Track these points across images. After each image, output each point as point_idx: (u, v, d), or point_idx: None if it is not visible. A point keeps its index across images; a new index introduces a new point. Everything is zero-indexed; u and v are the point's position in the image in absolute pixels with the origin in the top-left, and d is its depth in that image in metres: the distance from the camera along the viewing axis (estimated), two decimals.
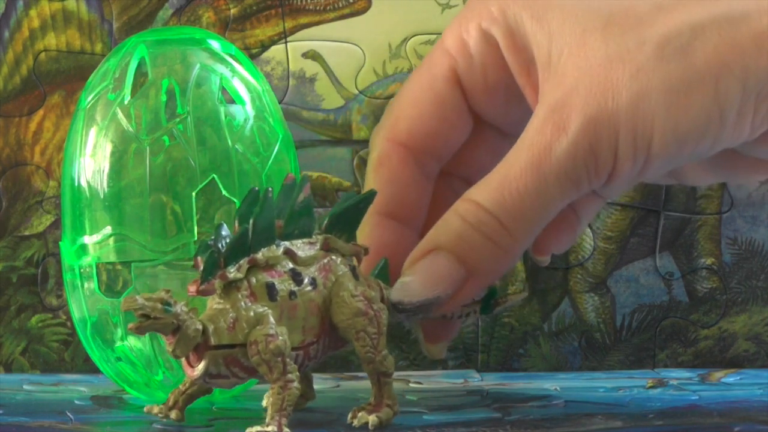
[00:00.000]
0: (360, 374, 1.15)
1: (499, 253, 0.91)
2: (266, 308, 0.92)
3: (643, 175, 0.90)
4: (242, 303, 0.92)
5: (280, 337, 0.91)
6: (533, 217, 0.90)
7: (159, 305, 0.89)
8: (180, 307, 0.90)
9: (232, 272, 0.92)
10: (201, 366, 0.91)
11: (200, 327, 0.90)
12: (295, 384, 0.91)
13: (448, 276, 0.91)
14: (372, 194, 1.00)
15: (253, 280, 0.93)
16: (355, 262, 0.98)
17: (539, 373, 1.22)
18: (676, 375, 1.19)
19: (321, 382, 1.13)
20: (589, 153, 0.88)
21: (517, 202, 0.89)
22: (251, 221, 0.93)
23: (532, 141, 0.89)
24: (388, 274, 1.02)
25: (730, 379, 1.17)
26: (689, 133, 0.87)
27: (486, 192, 0.91)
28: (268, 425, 0.90)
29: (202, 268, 0.91)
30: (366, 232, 1.01)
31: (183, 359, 0.92)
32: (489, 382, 1.17)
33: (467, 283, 0.92)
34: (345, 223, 0.98)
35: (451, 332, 1.03)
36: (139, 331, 0.89)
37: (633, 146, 0.88)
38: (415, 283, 0.93)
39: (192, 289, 0.91)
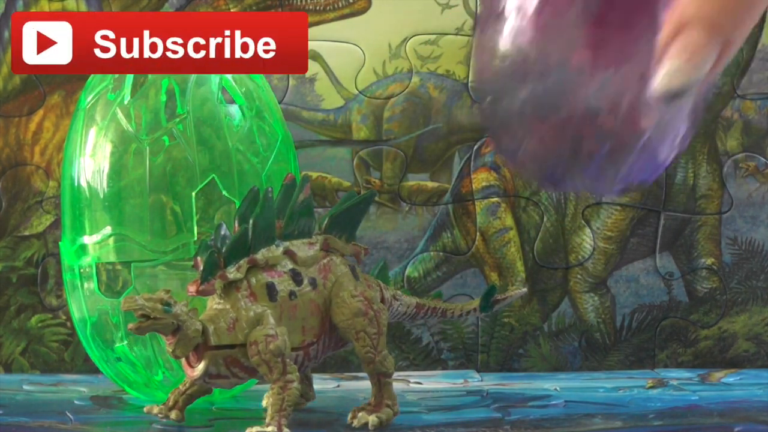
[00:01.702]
0: (360, 374, 1.15)
1: (752, 15, 0.88)
2: (266, 308, 0.92)
3: None
4: (242, 303, 0.92)
5: (280, 338, 0.91)
6: None
7: (159, 305, 0.89)
8: (180, 308, 0.90)
9: (232, 272, 0.92)
10: (201, 366, 0.91)
11: (200, 327, 0.90)
12: (295, 384, 0.91)
13: (707, 50, 0.89)
14: (372, 194, 1.00)
15: (253, 280, 0.93)
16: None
17: (539, 373, 1.21)
18: (676, 375, 1.19)
19: (321, 382, 1.13)
20: None
21: None
22: (251, 221, 0.93)
23: None
24: (387, 274, 1.02)
25: (730, 380, 1.17)
26: None
27: None
28: (267, 425, 0.90)
29: (201, 268, 0.91)
30: None
31: (183, 359, 0.92)
32: (489, 382, 1.17)
33: (722, 52, 0.90)
34: (345, 223, 0.98)
35: None
36: (139, 331, 0.89)
37: None
38: (677, 65, 0.90)
39: (192, 289, 0.91)
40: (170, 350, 0.90)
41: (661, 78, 0.88)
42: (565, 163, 1.04)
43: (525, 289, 1.05)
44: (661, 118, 1.00)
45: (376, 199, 1.20)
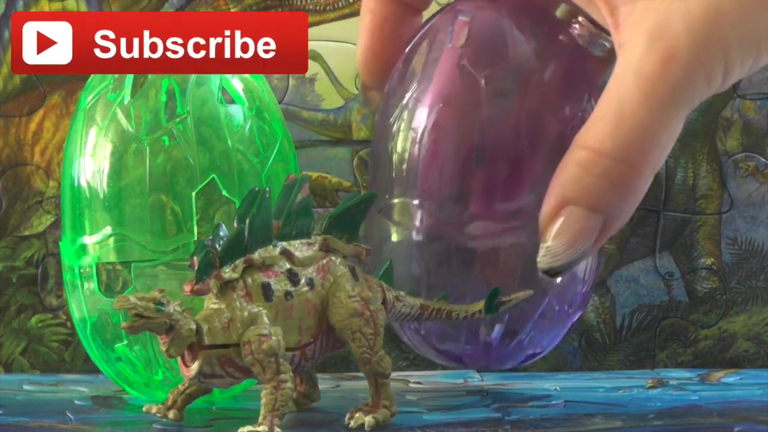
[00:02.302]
0: (360, 374, 1.14)
1: (632, 194, 0.89)
2: (261, 308, 0.92)
3: (746, 75, 0.89)
4: (237, 303, 0.92)
5: (274, 337, 0.91)
6: (658, 147, 0.88)
7: (151, 305, 0.89)
8: (173, 307, 0.90)
9: (228, 272, 0.92)
10: (195, 365, 0.91)
11: (194, 327, 0.91)
12: (289, 384, 0.91)
13: (588, 230, 0.89)
14: (372, 195, 1.00)
15: (249, 280, 0.93)
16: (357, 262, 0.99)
17: (539, 373, 1.21)
18: (676, 375, 1.19)
19: (321, 382, 1.12)
20: (702, 72, 0.86)
21: (639, 139, 0.86)
22: (247, 221, 0.93)
23: (640, 71, 0.86)
24: (392, 275, 1.02)
25: (730, 379, 1.17)
26: None
27: (603, 135, 0.88)
28: (259, 425, 0.90)
29: (196, 267, 0.91)
30: (368, 5, 1.01)
31: (179, 359, 0.92)
32: (489, 382, 1.17)
33: (604, 229, 0.91)
34: (345, 223, 0.98)
35: None
36: (131, 330, 0.89)
37: (741, 53, 0.85)
38: (559, 246, 0.91)
39: (186, 288, 0.91)
40: (164, 349, 0.90)
41: (543, 256, 0.89)
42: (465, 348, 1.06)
43: (530, 291, 1.04)
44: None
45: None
